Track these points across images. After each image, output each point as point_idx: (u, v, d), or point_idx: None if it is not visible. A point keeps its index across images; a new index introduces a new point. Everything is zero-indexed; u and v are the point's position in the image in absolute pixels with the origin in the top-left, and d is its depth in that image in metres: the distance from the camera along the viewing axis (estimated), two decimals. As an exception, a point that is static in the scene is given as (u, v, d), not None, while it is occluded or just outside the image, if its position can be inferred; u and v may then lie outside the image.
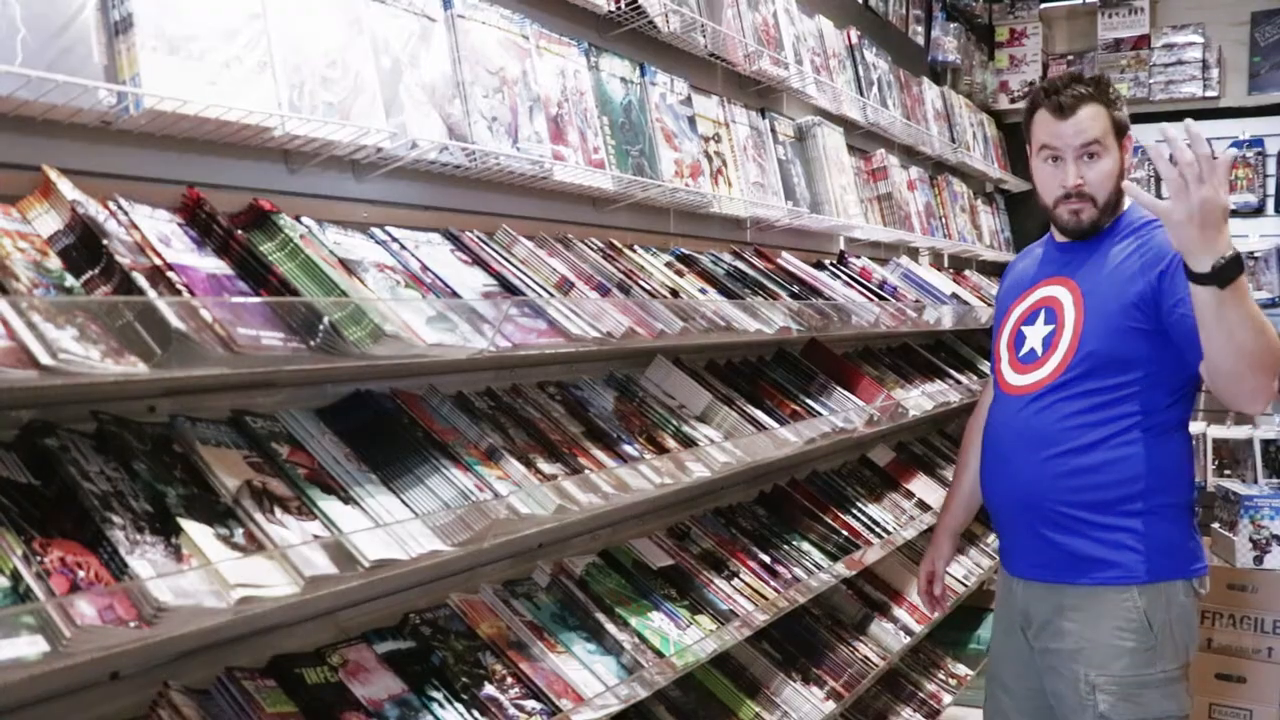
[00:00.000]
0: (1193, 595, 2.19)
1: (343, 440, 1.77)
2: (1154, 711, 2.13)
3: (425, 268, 1.87)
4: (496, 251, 2.08)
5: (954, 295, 4.26)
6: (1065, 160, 2.21)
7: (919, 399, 3.67)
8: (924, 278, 4.14)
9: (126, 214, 1.45)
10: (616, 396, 2.48)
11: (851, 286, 3.45)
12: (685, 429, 2.47)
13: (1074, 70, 5.55)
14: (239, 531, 1.43)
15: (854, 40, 3.95)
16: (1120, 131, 2.23)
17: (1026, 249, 2.55)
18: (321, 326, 1.46)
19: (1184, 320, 2.02)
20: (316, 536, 1.50)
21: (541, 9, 2.41)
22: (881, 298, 3.51)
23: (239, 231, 1.56)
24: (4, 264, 1.24)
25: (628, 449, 2.22)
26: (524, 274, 2.04)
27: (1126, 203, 2.27)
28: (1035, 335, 2.27)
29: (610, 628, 2.21)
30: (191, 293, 1.36)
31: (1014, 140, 5.93)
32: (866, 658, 3.21)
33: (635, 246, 2.63)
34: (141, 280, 1.31)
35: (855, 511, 3.40)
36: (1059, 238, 2.34)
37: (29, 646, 1.12)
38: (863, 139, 4.11)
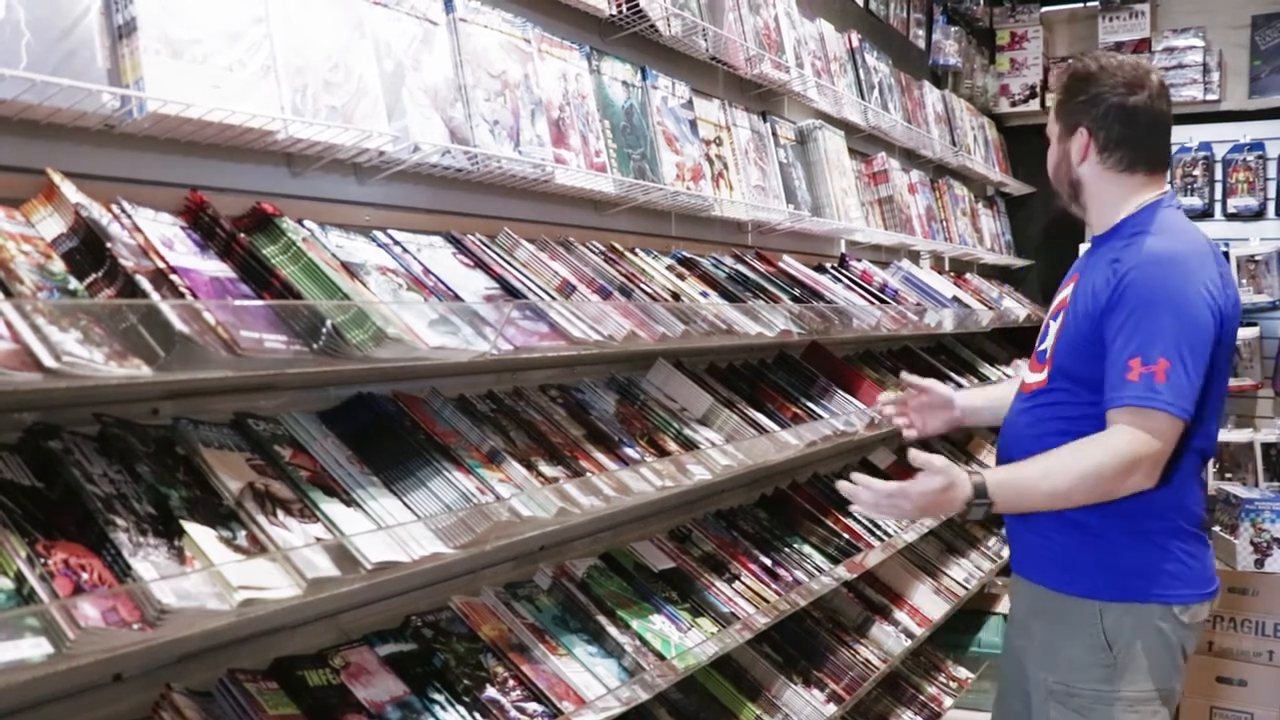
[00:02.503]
0: (1172, 621, 2.06)
1: (345, 443, 1.78)
2: None
3: (427, 271, 1.88)
4: (498, 254, 2.09)
5: (955, 298, 4.26)
6: None
7: (920, 402, 3.66)
8: (925, 281, 4.14)
9: (130, 217, 1.46)
10: (618, 399, 2.48)
11: (852, 290, 3.45)
12: (686, 432, 2.48)
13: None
14: (241, 534, 1.44)
15: (855, 44, 3.96)
16: (1068, 125, 2.19)
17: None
18: (324, 329, 1.46)
19: (1109, 360, 2.03)
20: (319, 539, 1.50)
21: (543, 12, 2.41)
22: (882, 301, 3.52)
23: (242, 234, 1.57)
24: (8, 267, 1.24)
25: (629, 452, 2.22)
26: (526, 277, 2.05)
27: (1132, 206, 2.16)
28: (1050, 334, 2.23)
29: (611, 630, 2.21)
30: (194, 296, 1.37)
31: (1015, 143, 5.94)
32: (867, 660, 3.21)
33: (636, 249, 2.63)
34: (145, 283, 1.32)
35: (856, 514, 3.40)
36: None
37: (33, 648, 1.12)
38: (864, 142, 4.12)
